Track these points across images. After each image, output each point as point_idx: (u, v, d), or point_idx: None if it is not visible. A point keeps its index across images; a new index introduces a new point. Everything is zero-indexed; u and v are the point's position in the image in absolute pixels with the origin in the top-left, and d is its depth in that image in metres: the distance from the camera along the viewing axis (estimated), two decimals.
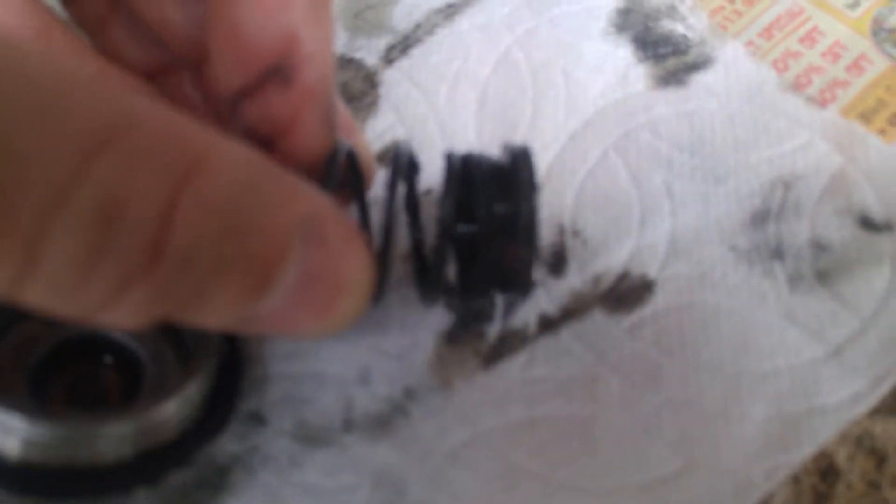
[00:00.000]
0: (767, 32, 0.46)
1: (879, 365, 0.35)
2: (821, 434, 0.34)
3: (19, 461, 0.30)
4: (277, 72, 0.30)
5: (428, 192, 0.40)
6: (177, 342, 0.34)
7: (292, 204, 0.23)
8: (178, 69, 0.35)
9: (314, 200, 0.24)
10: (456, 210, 0.33)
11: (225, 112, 0.32)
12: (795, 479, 0.34)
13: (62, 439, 0.30)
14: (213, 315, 0.23)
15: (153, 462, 0.32)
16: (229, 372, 0.34)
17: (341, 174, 0.33)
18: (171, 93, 0.35)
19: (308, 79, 0.31)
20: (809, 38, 0.46)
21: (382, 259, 0.32)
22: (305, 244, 0.23)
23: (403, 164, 0.34)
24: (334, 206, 0.24)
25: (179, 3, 0.32)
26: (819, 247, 0.39)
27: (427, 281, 0.35)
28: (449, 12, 0.47)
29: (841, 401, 0.35)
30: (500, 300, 0.37)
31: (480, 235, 0.33)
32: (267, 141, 0.31)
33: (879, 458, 0.35)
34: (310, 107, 0.31)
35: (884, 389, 0.35)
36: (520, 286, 0.35)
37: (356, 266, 0.25)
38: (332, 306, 0.25)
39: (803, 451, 0.34)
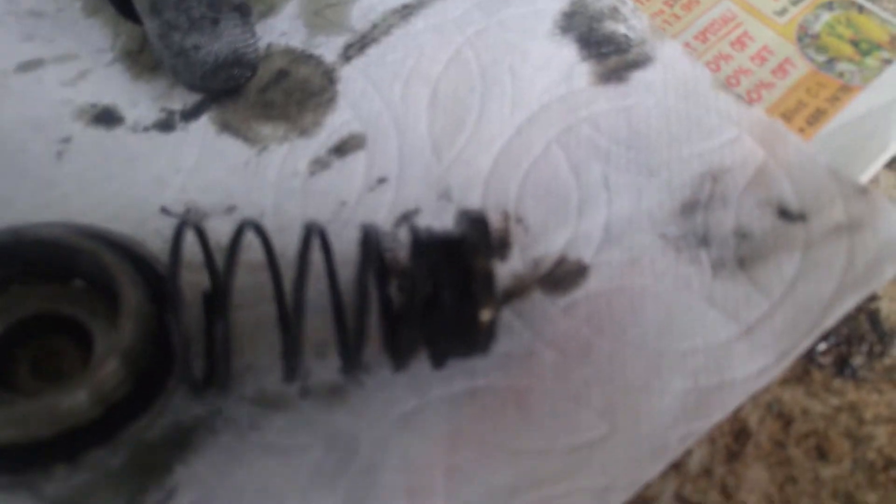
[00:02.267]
0: (703, 35, 0.51)
1: (784, 342, 0.41)
2: (729, 404, 0.39)
3: None
4: None
5: (382, 179, 0.45)
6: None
7: None
8: None
9: None
10: (423, 282, 0.36)
11: None
12: (711, 440, 0.39)
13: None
14: None
15: (70, 441, 0.34)
16: (164, 351, 0.37)
17: None
18: None
19: None
20: (740, 42, 0.51)
21: (357, 332, 0.36)
22: None
23: (373, 249, 0.36)
24: None
25: None
26: (741, 235, 0.44)
27: (399, 348, 0.38)
28: (404, 13, 0.52)
29: (749, 374, 0.40)
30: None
31: (441, 308, 0.36)
32: None
33: (786, 421, 0.40)
34: None
35: (786, 364, 0.40)
36: (480, 349, 0.38)
37: None
38: None
39: (713, 420, 0.39)
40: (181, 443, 0.38)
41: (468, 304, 0.35)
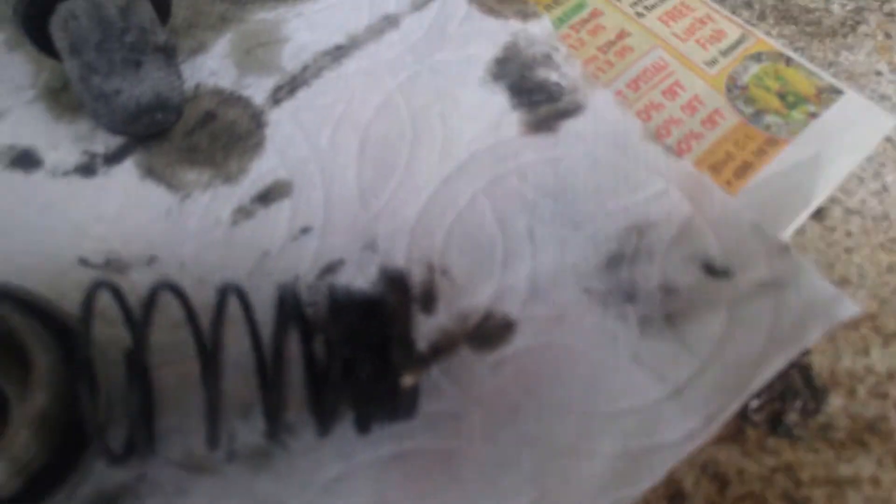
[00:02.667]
0: (635, 84, 0.51)
1: (713, 404, 0.41)
2: (659, 469, 0.39)
3: None
4: None
5: (306, 229, 0.44)
6: None
7: None
8: None
9: None
10: (340, 346, 0.35)
11: None
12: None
13: None
14: None
15: None
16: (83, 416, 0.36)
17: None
18: None
19: None
20: (671, 92, 0.51)
21: (276, 396, 0.35)
22: None
23: (289, 311, 0.36)
24: None
25: None
26: (668, 291, 0.44)
27: (323, 413, 0.37)
28: (336, 54, 0.51)
29: (678, 438, 0.40)
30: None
31: (365, 373, 0.35)
32: None
33: (722, 483, 0.40)
34: None
35: (715, 427, 0.40)
36: (404, 413, 0.38)
37: None
38: None
39: (643, 486, 0.39)
40: None
41: (389, 369, 0.35)
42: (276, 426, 0.36)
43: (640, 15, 0.54)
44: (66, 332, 0.37)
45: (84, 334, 0.33)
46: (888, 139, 0.52)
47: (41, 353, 0.35)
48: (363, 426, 0.38)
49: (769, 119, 0.50)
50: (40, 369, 0.35)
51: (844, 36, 0.58)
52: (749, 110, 0.50)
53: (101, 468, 0.37)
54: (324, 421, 0.37)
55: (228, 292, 0.35)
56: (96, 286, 0.34)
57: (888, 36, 0.59)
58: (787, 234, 0.46)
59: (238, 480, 0.38)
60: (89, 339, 0.33)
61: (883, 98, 0.55)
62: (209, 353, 0.34)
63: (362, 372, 0.35)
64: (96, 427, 0.33)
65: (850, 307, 0.43)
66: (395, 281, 0.36)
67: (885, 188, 0.50)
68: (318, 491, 0.38)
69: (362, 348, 0.35)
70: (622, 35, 0.53)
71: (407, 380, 0.35)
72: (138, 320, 0.34)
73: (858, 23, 0.59)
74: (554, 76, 0.51)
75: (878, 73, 0.56)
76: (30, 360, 0.35)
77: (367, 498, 0.38)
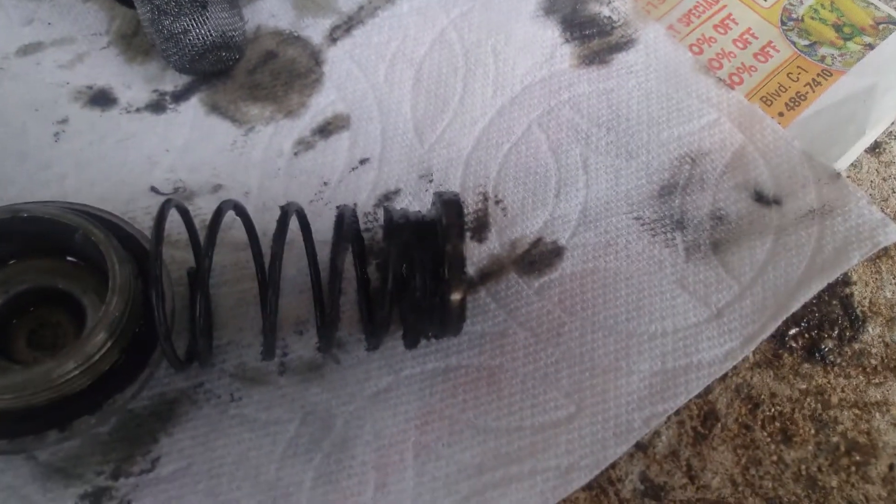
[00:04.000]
0: (687, 18, 0.52)
1: (751, 326, 0.42)
2: (694, 387, 0.41)
3: None
4: None
5: (365, 160, 0.47)
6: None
7: None
8: None
9: None
10: (395, 263, 0.37)
11: None
12: (680, 422, 0.41)
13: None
14: None
15: (62, 409, 0.37)
16: (150, 325, 0.38)
17: None
18: None
19: None
20: (724, 25, 0.52)
21: (331, 312, 0.37)
22: None
23: (346, 231, 0.38)
24: None
25: None
26: (717, 218, 0.46)
27: (374, 328, 0.40)
28: None
29: (715, 357, 0.42)
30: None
31: (412, 289, 0.38)
32: None
33: (754, 404, 0.42)
34: None
35: (752, 347, 0.42)
36: (452, 330, 0.40)
37: None
38: None
39: (678, 402, 0.41)
40: (165, 414, 0.40)
41: (439, 286, 0.37)
42: (329, 341, 0.39)
43: None
44: (138, 250, 0.41)
45: (155, 250, 0.36)
46: None
47: (118, 265, 0.38)
48: (411, 342, 0.40)
49: (824, 51, 0.50)
50: (117, 279, 0.38)
51: None
52: (803, 42, 0.51)
53: (163, 375, 0.41)
54: (374, 335, 0.39)
55: (290, 212, 0.38)
56: (167, 203, 0.37)
57: None
58: (841, 165, 0.47)
59: (290, 391, 0.41)
60: (159, 253, 0.36)
61: None
62: (270, 267, 0.36)
63: (414, 288, 0.37)
64: (164, 334, 0.36)
65: (894, 233, 0.44)
66: (448, 202, 0.38)
67: None
68: (366, 401, 0.41)
69: (415, 265, 0.38)
70: None
71: (456, 296, 0.37)
72: (204, 241, 0.37)
73: None
74: (605, 10, 0.52)
75: None
76: (109, 270, 0.38)
77: (413, 409, 0.41)
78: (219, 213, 0.37)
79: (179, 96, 0.50)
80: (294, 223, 0.38)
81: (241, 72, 0.51)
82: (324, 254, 0.40)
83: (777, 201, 0.46)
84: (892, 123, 0.49)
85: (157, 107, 0.50)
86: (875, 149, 0.49)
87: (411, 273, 0.38)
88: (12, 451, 0.37)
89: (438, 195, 0.39)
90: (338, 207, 0.39)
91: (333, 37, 0.52)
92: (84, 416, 0.37)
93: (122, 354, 0.38)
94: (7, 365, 0.39)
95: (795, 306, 0.43)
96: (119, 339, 0.38)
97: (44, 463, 0.39)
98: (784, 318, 0.43)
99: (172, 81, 0.50)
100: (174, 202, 0.38)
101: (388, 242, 0.39)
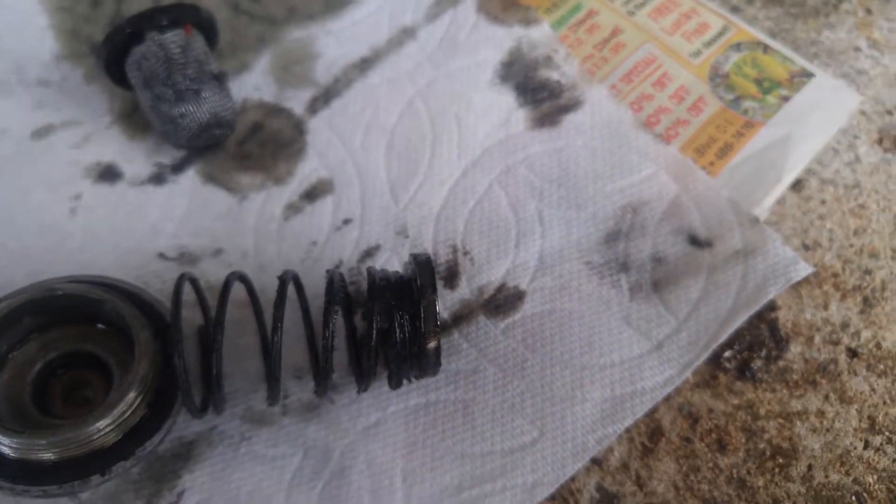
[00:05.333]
0: (628, 77, 0.60)
1: (686, 356, 0.50)
2: (639, 410, 0.49)
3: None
4: None
5: (347, 220, 0.55)
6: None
7: None
8: None
9: None
10: (378, 319, 0.45)
11: None
12: (630, 438, 0.49)
13: (40, 445, 0.43)
14: None
15: (100, 457, 0.44)
16: (168, 380, 0.46)
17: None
18: None
19: None
20: (660, 83, 0.60)
21: (325, 361, 0.44)
22: None
23: (336, 289, 0.45)
24: None
25: None
26: (657, 260, 0.53)
27: (362, 373, 0.47)
28: (363, 66, 0.61)
29: (656, 384, 0.50)
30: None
31: (394, 340, 0.45)
32: None
33: (694, 420, 0.50)
34: None
35: (687, 374, 0.50)
36: (430, 371, 0.47)
37: None
38: None
39: (625, 424, 0.49)
40: (186, 455, 0.48)
41: (417, 336, 0.45)
42: (324, 385, 0.46)
43: (631, 13, 0.63)
44: (154, 314, 0.48)
45: (176, 317, 0.43)
46: (862, 112, 0.61)
47: (141, 331, 0.45)
48: (396, 383, 0.48)
49: (746, 104, 0.58)
50: (142, 345, 0.45)
51: (827, 15, 0.66)
52: (729, 97, 0.59)
53: (182, 421, 0.48)
54: (363, 380, 0.47)
55: (287, 280, 0.45)
56: (182, 278, 0.44)
57: (868, 12, 0.66)
58: (766, 205, 0.55)
59: (292, 429, 0.48)
60: (180, 320, 0.43)
61: (860, 73, 0.63)
62: (272, 326, 0.44)
63: (395, 339, 0.45)
64: (185, 390, 0.44)
65: (804, 268, 0.52)
66: (422, 265, 0.46)
67: (857, 158, 0.59)
68: (359, 435, 0.48)
69: (396, 320, 0.45)
70: (615, 32, 0.62)
71: (432, 343, 0.45)
72: (216, 304, 0.44)
73: (841, 1, 0.67)
74: (555, 75, 0.60)
75: (857, 49, 0.64)
76: (134, 338, 0.45)
77: (399, 440, 0.48)
78: (227, 286, 0.45)
79: (177, 168, 0.57)
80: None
81: (231, 143, 0.58)
82: (315, 306, 0.47)
83: (709, 244, 0.54)
84: (803, 168, 0.57)
85: (158, 179, 0.57)
86: (796, 185, 0.57)
87: (392, 327, 0.45)
88: (61, 494, 0.44)
89: (413, 256, 0.47)
90: (327, 272, 0.46)
91: (313, 108, 0.59)
92: (119, 462, 0.44)
93: (148, 408, 0.45)
94: (47, 421, 0.46)
95: (723, 337, 0.51)
96: (146, 395, 0.45)
97: (87, 501, 0.47)
98: (714, 347, 0.51)
99: (170, 154, 0.58)
100: (187, 276, 0.45)
101: (371, 303, 0.46)
